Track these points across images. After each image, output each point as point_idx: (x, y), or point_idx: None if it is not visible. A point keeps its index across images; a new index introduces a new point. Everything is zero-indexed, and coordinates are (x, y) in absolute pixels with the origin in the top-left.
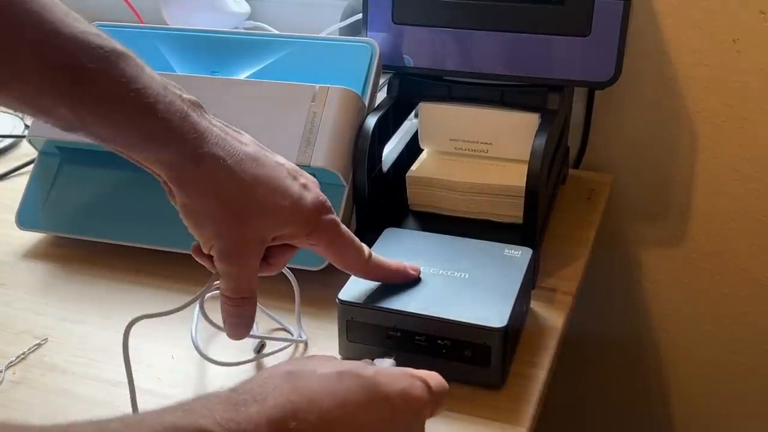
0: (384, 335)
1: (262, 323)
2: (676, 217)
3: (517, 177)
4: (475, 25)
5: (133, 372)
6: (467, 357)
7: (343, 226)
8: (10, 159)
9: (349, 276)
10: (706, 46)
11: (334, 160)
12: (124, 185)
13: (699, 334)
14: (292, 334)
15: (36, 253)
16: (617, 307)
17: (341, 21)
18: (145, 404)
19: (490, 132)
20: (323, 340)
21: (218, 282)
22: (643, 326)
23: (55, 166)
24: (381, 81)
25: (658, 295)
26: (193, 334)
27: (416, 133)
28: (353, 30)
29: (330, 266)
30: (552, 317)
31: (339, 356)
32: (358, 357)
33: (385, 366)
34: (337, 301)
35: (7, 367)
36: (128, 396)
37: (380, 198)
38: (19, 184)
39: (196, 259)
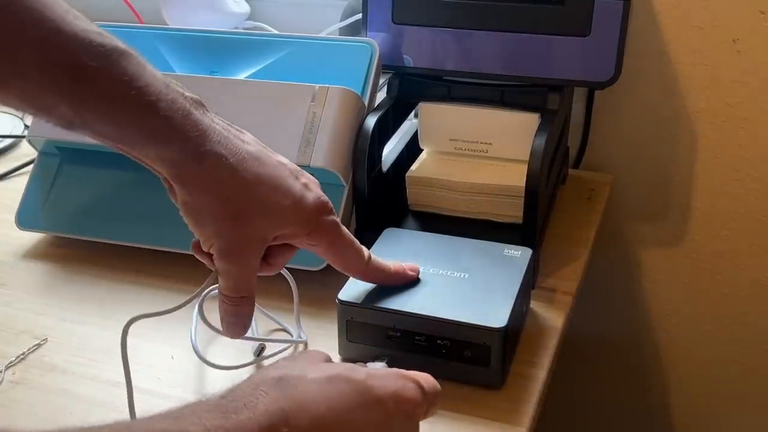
0: (384, 335)
1: (261, 324)
2: (676, 217)
3: (517, 177)
4: (475, 25)
5: (132, 372)
6: (467, 357)
7: (344, 228)
8: (10, 159)
9: (348, 276)
10: (706, 46)
11: (334, 160)
12: (124, 185)
13: (699, 334)
14: (291, 335)
15: (36, 253)
16: (617, 307)
17: (341, 21)
18: (144, 404)
19: (490, 132)
20: (323, 340)
21: (216, 286)
22: (643, 326)
23: (55, 166)
24: (381, 81)
25: (657, 295)
26: (193, 338)
27: (416, 133)
28: (353, 30)
29: (330, 266)
30: (552, 317)
31: (339, 356)
32: (358, 357)
33: (377, 368)
34: (337, 301)
35: (7, 368)
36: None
37: (380, 198)
38: (19, 184)
39: (196, 256)
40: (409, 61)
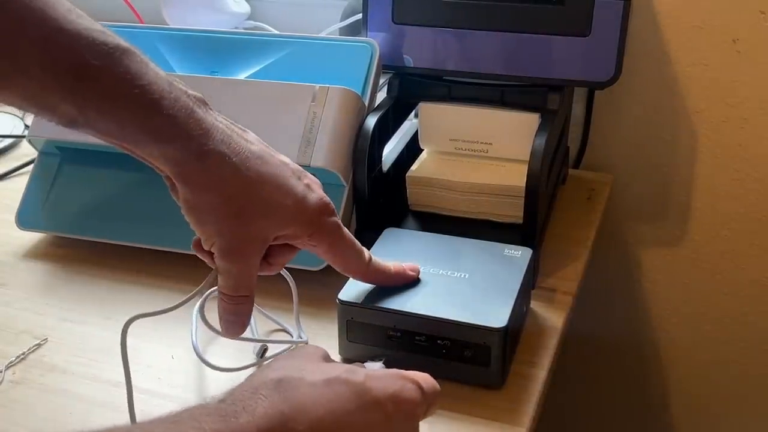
0: (384, 335)
1: (261, 324)
2: (676, 217)
3: (517, 177)
4: (475, 25)
5: (132, 372)
6: (467, 357)
7: (345, 229)
8: (10, 159)
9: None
10: (706, 46)
11: (334, 160)
12: (124, 185)
13: (699, 334)
14: (291, 335)
15: (36, 253)
16: (617, 307)
17: (341, 21)
18: (144, 404)
19: (490, 132)
20: (323, 340)
21: (215, 288)
22: (642, 326)
23: (55, 166)
24: (381, 81)
25: (657, 295)
26: (194, 339)
27: (416, 133)
28: (353, 30)
29: (330, 266)
30: (552, 317)
31: (339, 356)
32: (358, 357)
33: (375, 369)
34: (337, 301)
35: (7, 367)
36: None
37: (380, 198)
38: (19, 184)
39: (197, 254)
40: (409, 61)
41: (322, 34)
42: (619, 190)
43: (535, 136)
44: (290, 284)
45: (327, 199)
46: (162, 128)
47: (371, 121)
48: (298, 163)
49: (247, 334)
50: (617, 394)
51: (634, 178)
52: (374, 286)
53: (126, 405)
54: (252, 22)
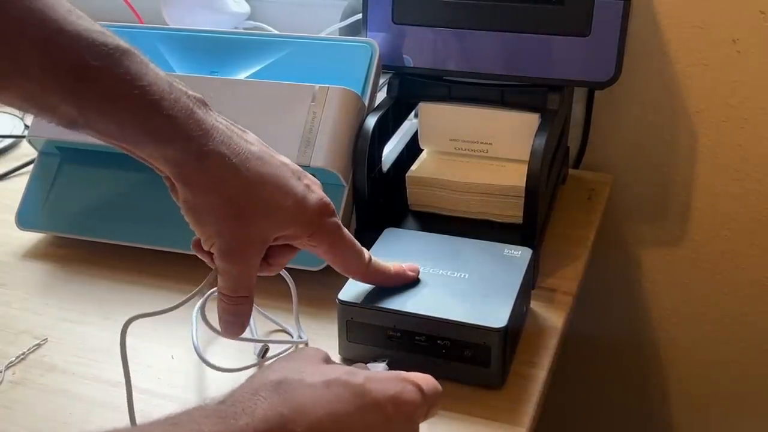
0: (384, 335)
1: (261, 324)
2: (676, 218)
3: (517, 177)
4: (475, 25)
5: (132, 372)
6: (467, 357)
7: (345, 230)
8: (10, 159)
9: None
10: (706, 46)
11: (334, 160)
12: (124, 185)
13: (699, 334)
14: (291, 335)
15: (36, 253)
16: (617, 307)
17: (341, 21)
18: (144, 404)
19: (490, 132)
20: (323, 341)
21: (215, 289)
22: (642, 326)
23: (55, 166)
24: (381, 81)
25: (657, 295)
26: (194, 339)
27: (416, 133)
28: (353, 30)
29: (330, 266)
30: (552, 317)
31: (339, 356)
32: (358, 357)
33: (377, 370)
34: (337, 301)
35: (7, 367)
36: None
37: (380, 198)
38: (19, 184)
39: (196, 255)
40: (409, 61)
41: (322, 34)
42: (619, 190)
43: (535, 136)
44: (290, 284)
45: (327, 199)
46: (162, 129)
47: (371, 121)
48: (298, 163)
49: (246, 334)
50: (617, 394)
51: (634, 178)
52: (374, 286)
53: (126, 405)
54: (252, 22)
